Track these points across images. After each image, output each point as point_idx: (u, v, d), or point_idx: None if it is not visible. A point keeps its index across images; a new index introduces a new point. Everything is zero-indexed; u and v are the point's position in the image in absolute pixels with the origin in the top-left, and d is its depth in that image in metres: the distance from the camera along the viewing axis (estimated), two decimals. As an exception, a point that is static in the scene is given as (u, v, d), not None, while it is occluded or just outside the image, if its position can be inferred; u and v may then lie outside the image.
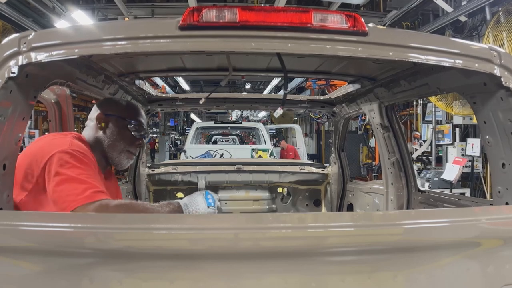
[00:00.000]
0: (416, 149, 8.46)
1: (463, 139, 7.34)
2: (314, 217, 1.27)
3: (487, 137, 1.63)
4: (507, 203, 1.57)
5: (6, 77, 1.24)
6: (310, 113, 15.16)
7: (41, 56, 1.25)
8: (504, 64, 1.40)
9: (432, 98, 6.94)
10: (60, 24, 7.20)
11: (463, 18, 6.82)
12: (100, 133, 1.65)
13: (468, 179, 6.79)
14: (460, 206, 2.10)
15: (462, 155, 6.82)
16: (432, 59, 1.36)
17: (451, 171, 5.95)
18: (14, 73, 1.24)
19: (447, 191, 5.48)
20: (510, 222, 1.20)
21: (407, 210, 2.47)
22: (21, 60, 1.25)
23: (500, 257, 1.17)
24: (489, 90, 1.53)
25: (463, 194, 5.98)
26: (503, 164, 1.57)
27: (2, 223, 1.02)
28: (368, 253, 1.11)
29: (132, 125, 1.67)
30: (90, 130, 1.66)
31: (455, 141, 7.41)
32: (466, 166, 6.47)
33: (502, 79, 1.41)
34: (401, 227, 1.13)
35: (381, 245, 1.11)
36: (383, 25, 8.01)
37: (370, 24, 1.32)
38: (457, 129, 7.47)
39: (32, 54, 1.25)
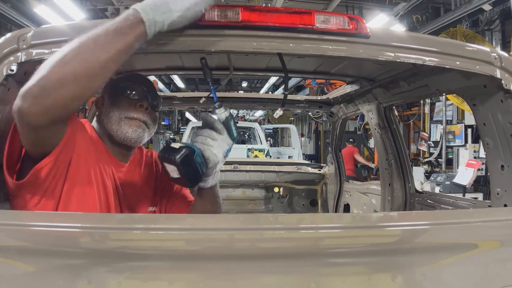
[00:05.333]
0: (424, 151, 8.47)
1: (475, 140, 7.34)
2: (315, 219, 1.32)
3: (486, 139, 1.74)
4: (505, 205, 1.67)
5: (4, 74, 1.30)
6: (309, 113, 15.25)
7: (40, 54, 1.30)
8: (504, 67, 1.51)
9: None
10: (40, 9, 7.11)
11: (487, 7, 6.85)
12: (99, 115, 1.56)
13: (480, 183, 6.80)
14: (458, 207, 2.21)
15: (475, 157, 6.86)
16: (433, 61, 1.45)
17: (464, 175, 5.93)
18: (12, 70, 1.30)
19: (459, 196, 5.52)
20: (508, 224, 1.26)
21: (405, 212, 2.56)
22: (20, 57, 1.30)
23: (498, 259, 1.23)
24: (489, 92, 1.64)
25: (476, 198, 5.98)
26: (502, 166, 1.68)
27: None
28: (367, 255, 1.15)
29: (124, 89, 1.53)
30: (94, 121, 1.60)
31: (467, 142, 7.41)
32: (479, 169, 6.48)
33: (503, 81, 1.51)
34: (400, 228, 1.18)
35: (379, 247, 1.16)
36: (395, 16, 8.06)
37: (372, 25, 1.40)
38: (469, 130, 7.46)
39: (32, 51, 1.30)
